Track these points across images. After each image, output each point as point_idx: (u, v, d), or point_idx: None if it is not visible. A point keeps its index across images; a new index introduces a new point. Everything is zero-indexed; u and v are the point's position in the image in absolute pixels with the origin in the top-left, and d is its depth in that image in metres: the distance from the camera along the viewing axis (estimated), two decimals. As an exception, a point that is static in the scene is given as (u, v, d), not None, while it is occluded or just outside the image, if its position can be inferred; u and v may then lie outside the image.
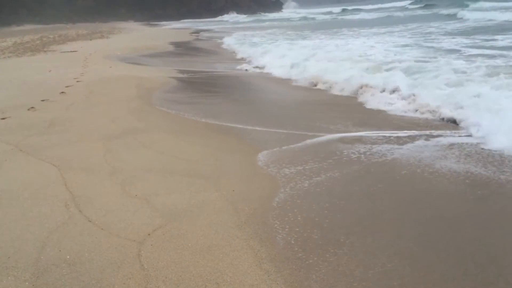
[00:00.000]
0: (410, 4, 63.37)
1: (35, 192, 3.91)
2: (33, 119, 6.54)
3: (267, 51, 15.88)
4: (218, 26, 53.16)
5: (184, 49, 21.38)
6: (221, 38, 27.75)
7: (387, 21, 34.47)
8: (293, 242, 3.12)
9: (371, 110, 7.33)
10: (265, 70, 12.67)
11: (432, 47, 14.44)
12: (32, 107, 7.25)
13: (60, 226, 3.30)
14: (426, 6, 52.05)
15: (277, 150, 5.14)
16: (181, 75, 11.51)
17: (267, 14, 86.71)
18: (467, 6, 40.02)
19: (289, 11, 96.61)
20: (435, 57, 11.46)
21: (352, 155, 4.89)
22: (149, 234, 3.19)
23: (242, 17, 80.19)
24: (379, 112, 7.17)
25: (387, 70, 9.46)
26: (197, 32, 40.32)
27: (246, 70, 13.01)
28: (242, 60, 15.75)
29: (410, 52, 13.17)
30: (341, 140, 5.47)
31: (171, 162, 4.76)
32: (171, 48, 21.48)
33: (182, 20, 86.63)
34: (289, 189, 4.02)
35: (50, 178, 4.25)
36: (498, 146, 4.78)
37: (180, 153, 5.05)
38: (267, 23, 52.27)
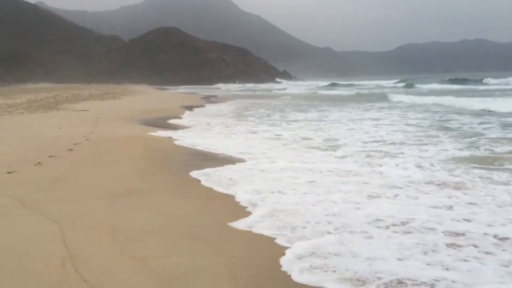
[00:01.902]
0: (395, 82, 64.47)
1: (33, 248, 3.87)
2: (38, 175, 6.60)
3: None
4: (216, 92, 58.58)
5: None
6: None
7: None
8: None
9: None
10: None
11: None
12: (39, 163, 7.35)
13: (55, 286, 3.23)
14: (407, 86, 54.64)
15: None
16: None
17: (258, 84, 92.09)
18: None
19: (285, 83, 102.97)
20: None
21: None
22: (144, 298, 3.11)
23: (233, 86, 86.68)
24: None
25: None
26: (208, 97, 41.59)
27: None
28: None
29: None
30: None
31: (172, 224, 4.73)
32: (182, 111, 21.99)
33: (183, 86, 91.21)
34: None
35: (49, 234, 4.22)
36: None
37: (182, 216, 5.04)
38: (257, 92, 57.29)
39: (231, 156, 8.92)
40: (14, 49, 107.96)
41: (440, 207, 5.34)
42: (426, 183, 6.51)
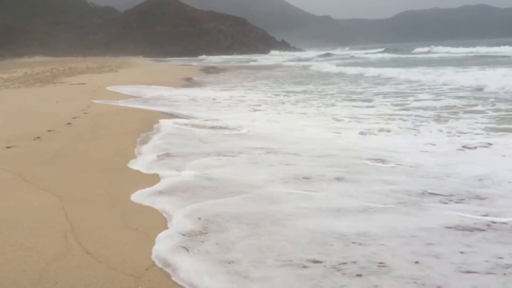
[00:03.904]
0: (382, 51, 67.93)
1: (35, 222, 3.89)
2: (38, 149, 6.59)
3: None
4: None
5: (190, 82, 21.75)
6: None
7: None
8: None
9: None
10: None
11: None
12: (38, 137, 7.32)
13: (58, 258, 3.26)
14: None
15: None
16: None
17: (254, 56, 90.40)
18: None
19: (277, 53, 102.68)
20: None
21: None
22: (147, 269, 3.15)
23: (217, 58, 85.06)
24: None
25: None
26: (206, 68, 41.22)
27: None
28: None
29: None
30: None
31: (173, 196, 4.74)
32: (181, 83, 21.82)
33: (180, 57, 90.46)
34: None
35: (51, 208, 4.25)
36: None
37: (182, 188, 5.04)
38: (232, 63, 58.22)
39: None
40: (7, 22, 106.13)
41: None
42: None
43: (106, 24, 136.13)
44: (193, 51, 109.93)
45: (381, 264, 3.15)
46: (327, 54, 70.86)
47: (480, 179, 5.08)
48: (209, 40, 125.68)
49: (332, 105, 12.64)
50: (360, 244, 3.49)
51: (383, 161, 6.05)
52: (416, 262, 3.18)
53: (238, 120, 9.61)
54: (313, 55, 68.83)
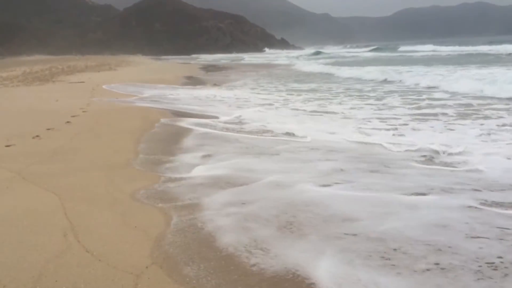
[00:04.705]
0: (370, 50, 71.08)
1: (35, 220, 3.90)
2: (37, 148, 6.59)
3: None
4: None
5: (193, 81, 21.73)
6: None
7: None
8: None
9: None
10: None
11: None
12: (37, 136, 7.32)
13: (58, 256, 3.27)
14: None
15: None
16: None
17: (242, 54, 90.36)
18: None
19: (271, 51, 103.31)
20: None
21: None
22: (147, 267, 3.15)
23: (210, 57, 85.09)
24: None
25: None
26: (206, 67, 41.19)
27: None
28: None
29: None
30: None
31: (172, 194, 4.74)
32: (182, 81, 21.79)
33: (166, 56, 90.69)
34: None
35: (50, 206, 4.25)
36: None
37: (181, 186, 5.05)
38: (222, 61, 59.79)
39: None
40: (6, 20, 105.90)
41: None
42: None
43: (105, 22, 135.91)
44: (192, 49, 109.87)
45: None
46: (317, 52, 76.17)
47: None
48: (208, 38, 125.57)
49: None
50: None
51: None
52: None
53: (280, 124, 8.92)
54: (304, 53, 75.62)
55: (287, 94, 15.47)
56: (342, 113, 10.67)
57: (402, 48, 66.80)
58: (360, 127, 8.57)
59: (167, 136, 7.67)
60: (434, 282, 2.91)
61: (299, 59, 53.47)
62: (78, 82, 19.00)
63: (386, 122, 9.18)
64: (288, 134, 7.81)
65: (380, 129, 8.40)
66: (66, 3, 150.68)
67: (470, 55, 40.37)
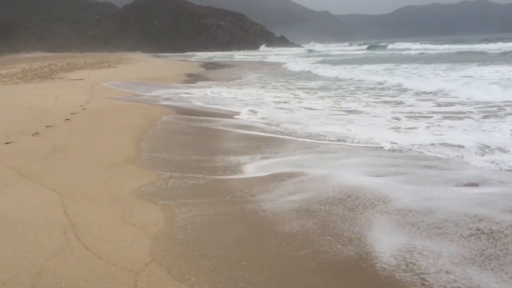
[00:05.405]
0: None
1: (34, 218, 3.89)
2: (36, 145, 6.58)
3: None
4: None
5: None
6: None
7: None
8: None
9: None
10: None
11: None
12: (37, 133, 7.31)
13: (57, 253, 3.27)
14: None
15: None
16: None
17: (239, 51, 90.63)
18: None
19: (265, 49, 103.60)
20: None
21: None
22: (146, 264, 3.16)
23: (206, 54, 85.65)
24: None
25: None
26: (206, 64, 41.12)
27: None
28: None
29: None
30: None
31: (172, 192, 4.75)
32: (182, 79, 21.76)
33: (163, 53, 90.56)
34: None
35: (50, 204, 4.25)
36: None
37: (181, 183, 5.04)
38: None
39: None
40: (5, 18, 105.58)
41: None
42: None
43: (105, 19, 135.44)
44: (191, 47, 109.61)
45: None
46: (310, 51, 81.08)
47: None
48: (208, 35, 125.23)
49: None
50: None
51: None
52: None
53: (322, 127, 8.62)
54: (298, 52, 79.21)
55: (303, 92, 15.59)
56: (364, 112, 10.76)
57: (393, 46, 68.92)
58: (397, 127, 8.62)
59: (170, 135, 7.65)
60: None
61: (291, 56, 54.37)
62: (78, 80, 18.96)
63: (412, 120, 9.33)
64: (342, 139, 7.50)
65: (415, 128, 8.44)
66: (65, 0, 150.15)
67: (461, 53, 40.65)
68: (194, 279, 3.01)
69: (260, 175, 5.37)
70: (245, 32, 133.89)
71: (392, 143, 6.93)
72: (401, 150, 6.62)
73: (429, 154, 6.34)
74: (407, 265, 3.17)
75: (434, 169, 5.62)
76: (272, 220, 4.02)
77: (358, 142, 7.15)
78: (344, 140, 7.33)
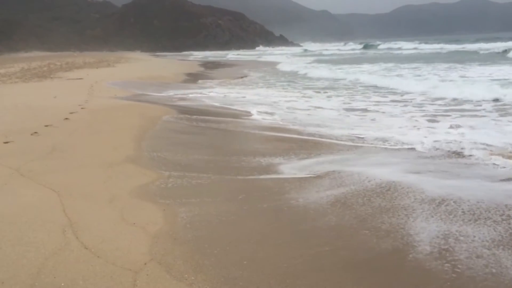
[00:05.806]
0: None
1: (33, 217, 3.89)
2: (35, 144, 6.58)
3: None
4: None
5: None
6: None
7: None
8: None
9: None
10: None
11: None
12: (36, 132, 7.30)
13: (56, 253, 3.27)
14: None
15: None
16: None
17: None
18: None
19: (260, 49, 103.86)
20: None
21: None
22: (145, 264, 3.16)
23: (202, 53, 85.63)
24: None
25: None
26: (205, 63, 41.09)
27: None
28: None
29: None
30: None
31: (171, 191, 4.74)
32: (182, 78, 21.74)
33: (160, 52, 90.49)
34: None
35: (49, 203, 4.24)
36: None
37: (180, 183, 5.04)
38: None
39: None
40: (4, 17, 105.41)
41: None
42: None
43: (104, 18, 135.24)
44: (191, 46, 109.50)
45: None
46: (305, 50, 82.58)
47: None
48: (207, 35, 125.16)
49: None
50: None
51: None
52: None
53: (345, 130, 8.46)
54: (295, 51, 78.62)
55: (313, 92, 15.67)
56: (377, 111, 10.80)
57: (389, 45, 70.58)
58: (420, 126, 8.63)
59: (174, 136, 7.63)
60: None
61: (285, 56, 54.42)
62: (77, 79, 18.94)
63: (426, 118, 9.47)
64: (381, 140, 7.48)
65: (436, 128, 8.47)
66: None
67: (452, 52, 41.42)
68: (193, 278, 3.01)
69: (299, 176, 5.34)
70: (244, 32, 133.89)
71: (421, 142, 7.01)
72: (431, 149, 6.66)
73: (460, 151, 6.45)
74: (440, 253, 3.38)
75: (465, 166, 5.74)
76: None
77: (389, 143, 7.18)
78: (375, 141, 7.31)
